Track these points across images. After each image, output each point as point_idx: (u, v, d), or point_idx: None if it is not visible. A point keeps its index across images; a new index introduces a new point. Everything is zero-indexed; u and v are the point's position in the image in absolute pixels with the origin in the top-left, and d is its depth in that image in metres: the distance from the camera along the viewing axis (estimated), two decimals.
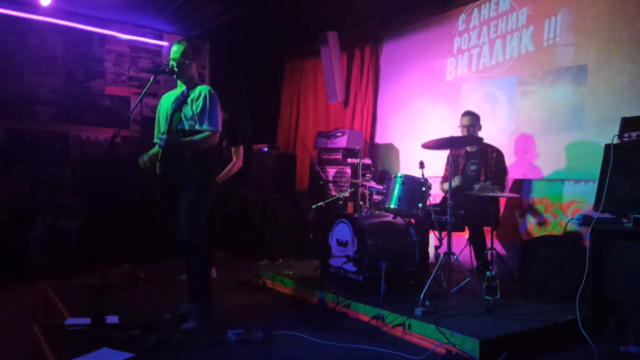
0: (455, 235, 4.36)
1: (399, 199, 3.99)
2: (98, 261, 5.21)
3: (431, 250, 4.29)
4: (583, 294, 3.15)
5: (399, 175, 4.07)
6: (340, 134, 6.24)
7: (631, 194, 3.11)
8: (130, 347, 2.86)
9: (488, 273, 3.52)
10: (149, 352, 2.85)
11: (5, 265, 5.09)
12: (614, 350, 2.98)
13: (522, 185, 4.86)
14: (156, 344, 2.91)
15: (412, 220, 4.28)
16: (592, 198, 3.34)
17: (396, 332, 3.29)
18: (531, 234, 4.78)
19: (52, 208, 5.90)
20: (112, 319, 3.33)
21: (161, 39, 7.05)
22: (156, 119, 3.53)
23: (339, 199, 4.98)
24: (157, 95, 6.77)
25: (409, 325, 3.23)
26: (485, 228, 4.40)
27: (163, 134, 3.22)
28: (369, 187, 4.59)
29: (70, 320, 3.34)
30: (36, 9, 5.92)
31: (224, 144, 5.03)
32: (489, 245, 4.28)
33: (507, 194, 4.43)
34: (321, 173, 6.12)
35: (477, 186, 4.25)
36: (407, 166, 5.98)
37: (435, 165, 4.93)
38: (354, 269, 4.01)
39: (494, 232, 4.31)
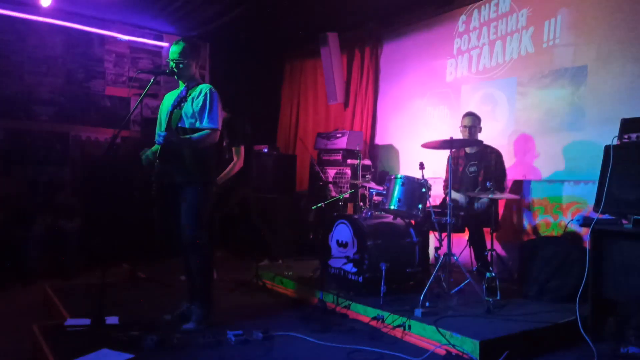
0: (455, 236, 4.37)
1: (399, 200, 3.99)
2: (98, 261, 5.20)
3: (431, 251, 4.30)
4: (583, 294, 3.15)
5: (399, 176, 4.08)
6: (340, 134, 6.24)
7: (631, 195, 3.11)
8: (130, 348, 2.86)
9: (488, 274, 3.52)
10: (149, 353, 2.85)
11: (5, 265, 5.09)
12: (614, 351, 2.98)
13: (522, 186, 4.87)
14: (156, 344, 2.91)
15: (412, 221, 4.28)
16: (592, 199, 3.34)
17: (396, 333, 3.29)
18: (531, 235, 4.78)
19: (52, 208, 5.89)
20: (112, 320, 3.33)
21: (161, 39, 7.06)
22: (158, 118, 3.53)
23: (339, 199, 4.99)
24: (157, 96, 6.78)
25: (409, 326, 3.23)
26: (485, 229, 4.40)
27: (162, 131, 3.22)
28: (369, 188, 4.60)
29: (70, 321, 3.34)
30: (36, 9, 5.92)
31: (224, 144, 5.03)
32: (489, 246, 4.28)
33: (506, 195, 4.43)
34: (321, 174, 6.13)
35: (477, 204, 4.29)
36: (407, 167, 5.98)
37: (435, 165, 4.94)
38: (354, 269, 4.01)
39: (494, 233, 4.31)
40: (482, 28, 5.41)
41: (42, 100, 6.20)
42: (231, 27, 6.55)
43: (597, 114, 4.38)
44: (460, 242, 4.73)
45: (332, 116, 7.19)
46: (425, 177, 3.96)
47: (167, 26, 6.81)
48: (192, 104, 3.32)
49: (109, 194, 5.50)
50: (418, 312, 3.31)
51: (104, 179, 5.84)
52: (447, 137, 3.85)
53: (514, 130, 5.05)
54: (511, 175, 4.79)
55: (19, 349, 3.26)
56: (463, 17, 5.61)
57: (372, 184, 4.64)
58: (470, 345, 2.86)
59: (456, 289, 3.91)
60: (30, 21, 6.06)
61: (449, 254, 3.80)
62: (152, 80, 3.44)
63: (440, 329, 3.04)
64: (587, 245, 3.28)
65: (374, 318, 3.46)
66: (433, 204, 4.08)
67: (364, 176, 5.08)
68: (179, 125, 3.32)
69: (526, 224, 4.86)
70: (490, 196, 4.08)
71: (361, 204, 4.84)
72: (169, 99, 3.47)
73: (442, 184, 4.96)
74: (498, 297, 3.45)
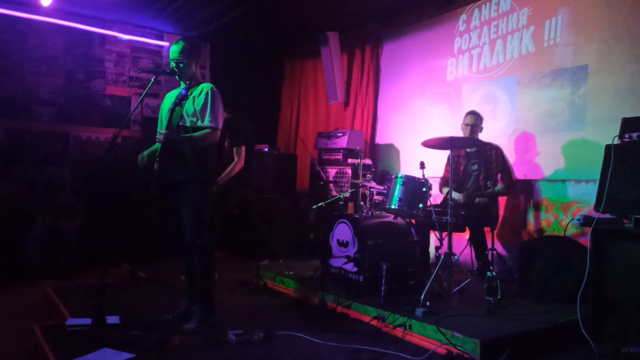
0: (455, 235, 4.36)
1: (400, 200, 3.99)
2: (98, 261, 5.20)
3: (432, 251, 4.29)
4: (584, 294, 3.15)
5: (400, 175, 4.07)
6: (340, 134, 6.24)
7: (632, 194, 3.11)
8: (130, 348, 2.85)
9: (489, 273, 3.51)
10: (149, 353, 2.84)
11: (6, 265, 5.09)
12: (615, 351, 2.97)
13: (522, 186, 4.86)
14: (157, 344, 2.90)
15: (413, 221, 4.28)
16: (593, 198, 3.33)
17: (397, 332, 3.29)
18: (532, 235, 4.78)
19: (52, 208, 5.89)
20: (113, 319, 3.33)
21: (162, 39, 7.06)
22: (159, 117, 3.53)
23: (339, 199, 4.98)
24: (157, 96, 6.77)
25: (410, 326, 3.23)
26: (485, 228, 4.40)
27: (163, 129, 3.22)
28: (370, 187, 4.59)
29: (71, 321, 3.34)
30: (37, 9, 5.92)
31: (225, 144, 5.03)
32: (489, 245, 4.28)
33: (506, 193, 4.42)
34: (322, 173, 6.12)
35: (478, 200, 4.30)
36: (408, 166, 5.98)
37: (436, 165, 4.93)
38: (354, 269, 4.00)
39: (495, 233, 4.31)
40: (483, 27, 5.40)
41: (42, 100, 6.21)
42: (231, 27, 6.55)
43: (597, 114, 4.38)
44: (461, 241, 4.73)
45: (332, 116, 7.19)
46: (426, 176, 3.96)
47: (168, 26, 6.82)
48: (194, 103, 3.31)
49: (109, 194, 5.50)
50: (419, 311, 3.31)
51: (104, 179, 5.84)
52: (447, 136, 3.85)
53: (514, 130, 5.05)
54: None
55: (19, 349, 3.25)
56: (464, 17, 5.60)
57: (373, 184, 4.63)
58: (471, 345, 2.86)
59: (457, 289, 3.91)
60: (31, 21, 6.06)
61: (450, 253, 3.79)
62: (152, 79, 3.44)
63: (441, 329, 3.03)
64: (587, 245, 3.28)
65: (374, 317, 3.46)
66: (433, 203, 4.08)
67: (364, 175, 5.08)
68: (180, 123, 3.32)
69: (527, 223, 4.85)
70: (489, 190, 4.08)
71: (362, 203, 4.83)
72: (170, 97, 3.47)
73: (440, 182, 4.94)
74: (499, 297, 3.45)
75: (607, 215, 3.30)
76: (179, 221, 3.33)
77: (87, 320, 3.25)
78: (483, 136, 4.60)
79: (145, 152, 3.35)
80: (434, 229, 4.11)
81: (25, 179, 6.04)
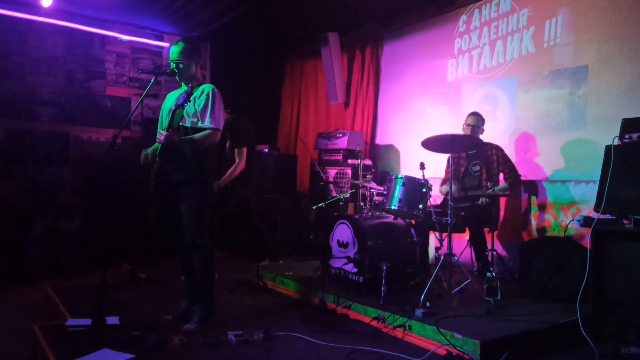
0: (455, 236, 4.37)
1: (400, 200, 3.99)
2: (98, 261, 5.20)
3: (432, 252, 4.29)
4: (584, 294, 3.15)
5: (400, 176, 4.07)
6: (340, 134, 6.24)
7: (632, 195, 3.11)
8: (130, 348, 2.85)
9: (489, 274, 3.51)
10: (149, 353, 2.84)
11: (6, 265, 5.09)
12: (615, 351, 2.97)
13: (523, 186, 4.86)
14: (157, 344, 2.90)
15: (413, 221, 4.28)
16: (593, 199, 3.33)
17: (397, 333, 3.28)
18: (532, 235, 4.78)
19: (52, 208, 5.89)
20: (113, 320, 3.32)
21: (162, 39, 7.06)
22: (159, 117, 3.53)
23: (339, 199, 4.98)
24: (158, 96, 6.78)
25: (410, 327, 3.22)
26: (485, 229, 4.40)
27: (164, 130, 3.22)
28: (370, 188, 4.59)
29: (71, 321, 3.34)
30: (37, 9, 5.92)
31: (227, 144, 5.03)
32: (489, 246, 4.28)
33: (506, 194, 4.42)
34: (322, 174, 6.13)
35: (482, 200, 4.31)
36: (408, 167, 5.98)
37: (436, 166, 4.94)
38: (354, 270, 4.01)
39: (495, 233, 4.31)
40: (483, 28, 5.40)
41: (42, 101, 6.21)
42: (231, 27, 6.55)
43: (597, 114, 4.38)
44: (461, 242, 4.73)
45: (332, 116, 7.19)
46: (426, 177, 3.96)
47: (168, 26, 6.82)
48: (195, 104, 3.32)
49: (109, 194, 5.50)
50: (419, 312, 3.31)
51: (104, 179, 5.85)
52: (447, 133, 3.83)
53: (514, 130, 5.05)
54: None
55: (19, 349, 3.25)
56: (464, 17, 5.60)
57: (373, 184, 4.63)
58: (471, 346, 2.86)
59: (457, 289, 3.91)
60: (31, 21, 6.07)
61: (450, 254, 3.79)
62: (152, 80, 3.43)
63: (441, 329, 3.03)
64: (588, 245, 3.28)
65: (374, 318, 3.46)
66: (433, 203, 4.08)
67: (364, 176, 5.08)
68: (181, 124, 3.32)
69: (527, 224, 4.85)
70: (490, 191, 4.08)
71: (362, 204, 4.83)
72: (171, 98, 3.47)
73: (440, 183, 4.94)
74: (499, 297, 3.45)
75: (607, 216, 3.30)
76: (178, 221, 3.33)
77: (87, 321, 3.25)
78: (483, 137, 4.60)
79: (150, 150, 3.33)
80: (434, 230, 4.11)
81: (26, 179, 6.05)
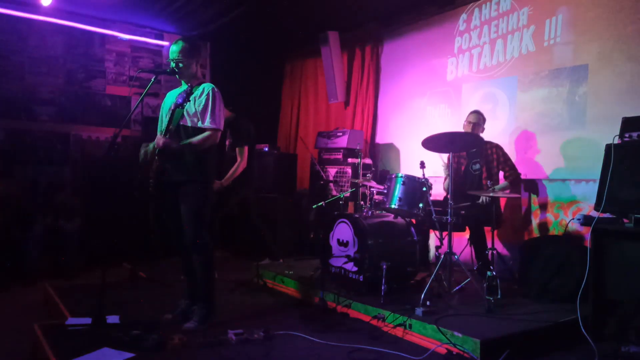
0: (455, 235, 4.36)
1: (400, 199, 3.99)
2: (98, 261, 5.20)
3: (432, 250, 4.29)
4: (584, 294, 3.15)
5: (400, 175, 4.07)
6: (340, 133, 6.24)
7: (632, 194, 3.11)
8: (130, 347, 2.85)
9: (489, 273, 3.51)
10: (149, 352, 2.84)
11: (6, 265, 5.09)
12: (614, 351, 2.97)
13: (523, 185, 4.86)
14: (157, 343, 2.90)
15: (413, 220, 4.28)
16: (593, 198, 3.33)
17: (397, 332, 3.29)
18: (532, 234, 4.78)
19: (52, 208, 5.89)
20: (113, 319, 3.33)
21: (162, 38, 7.06)
22: (159, 116, 3.52)
23: (339, 198, 4.98)
24: (158, 95, 6.78)
25: (410, 325, 3.23)
26: (485, 228, 4.40)
27: (162, 134, 3.21)
28: (370, 187, 4.59)
29: (71, 320, 3.34)
30: (37, 9, 5.92)
31: (227, 143, 5.03)
32: (489, 245, 4.27)
33: (507, 193, 4.42)
34: (322, 173, 6.12)
35: (482, 199, 4.30)
36: (408, 166, 5.98)
37: (436, 165, 4.92)
38: (354, 269, 4.01)
39: (495, 232, 4.31)
40: (483, 27, 5.40)
41: (42, 100, 6.21)
42: (232, 26, 6.55)
43: (598, 113, 4.38)
44: (461, 241, 4.73)
45: (332, 115, 7.19)
46: (426, 176, 3.96)
47: (168, 25, 6.82)
48: (195, 104, 3.31)
49: (109, 193, 5.51)
50: (419, 311, 3.31)
51: (104, 178, 5.85)
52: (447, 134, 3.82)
53: (514, 129, 5.05)
54: None
55: (19, 349, 3.26)
56: (464, 16, 5.60)
57: (373, 183, 4.63)
58: (471, 344, 2.86)
59: (457, 288, 3.91)
60: (31, 21, 6.06)
61: (450, 252, 3.79)
62: (152, 79, 3.44)
63: (441, 328, 3.03)
64: (588, 244, 3.28)
65: (374, 317, 3.46)
66: (434, 202, 4.07)
67: (364, 175, 5.07)
68: (181, 123, 3.32)
69: (527, 223, 4.85)
70: (491, 194, 4.08)
71: (362, 203, 4.83)
72: (171, 97, 3.47)
73: (442, 182, 4.94)
74: (499, 296, 3.45)
75: (608, 215, 3.30)
76: (178, 221, 3.33)
77: (87, 320, 3.25)
78: (484, 136, 4.59)
79: (150, 146, 3.31)
80: (434, 229, 4.11)
81: (26, 179, 6.04)
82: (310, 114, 7.60)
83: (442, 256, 3.80)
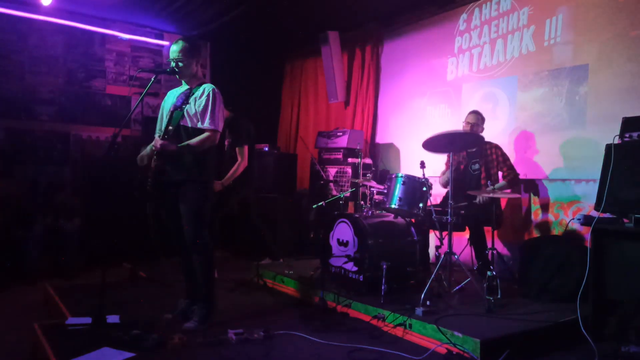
0: (455, 235, 4.36)
1: (400, 199, 3.99)
2: (98, 261, 5.20)
3: (432, 250, 4.29)
4: (584, 294, 3.15)
5: (400, 175, 4.07)
6: (340, 133, 6.24)
7: (632, 193, 3.11)
8: (131, 347, 2.86)
9: (489, 273, 3.51)
10: (149, 352, 2.84)
11: (6, 265, 5.09)
12: (615, 351, 2.97)
13: (523, 185, 4.86)
14: (157, 343, 2.90)
15: (413, 220, 4.28)
16: (593, 198, 3.33)
17: (397, 331, 3.29)
18: (532, 234, 4.78)
19: (52, 208, 5.89)
20: (113, 319, 3.33)
21: (162, 38, 7.06)
22: (159, 114, 3.52)
23: (339, 198, 4.98)
24: (158, 95, 6.78)
25: (410, 325, 3.23)
26: (485, 228, 4.39)
27: (161, 137, 3.20)
28: (370, 186, 4.59)
29: (71, 320, 3.34)
30: (37, 8, 5.92)
31: (226, 142, 5.03)
32: (489, 245, 4.27)
33: (507, 194, 4.42)
34: (322, 173, 6.12)
35: (479, 198, 4.30)
36: (408, 166, 5.98)
37: (436, 165, 4.93)
38: (354, 268, 4.01)
39: (495, 232, 4.31)
40: (483, 27, 5.40)
41: (42, 100, 6.21)
42: (232, 26, 6.55)
43: (598, 113, 4.37)
44: (461, 240, 4.73)
45: (332, 115, 7.19)
46: (426, 175, 3.96)
47: (168, 25, 6.82)
48: (195, 104, 3.31)
49: (109, 193, 5.50)
50: (419, 310, 3.31)
51: (104, 178, 5.84)
52: (446, 131, 3.81)
53: (514, 129, 5.05)
54: None
55: (20, 348, 3.26)
56: (464, 16, 5.60)
57: (373, 183, 4.63)
58: (471, 344, 2.86)
59: (457, 288, 3.91)
60: (31, 20, 6.06)
61: (450, 252, 3.79)
62: (152, 79, 3.43)
63: (441, 328, 3.03)
64: (588, 244, 3.28)
65: (374, 317, 3.46)
66: (434, 202, 4.08)
67: (364, 175, 5.07)
68: (181, 124, 3.32)
69: (527, 223, 4.85)
70: (490, 195, 4.08)
71: (362, 202, 4.83)
72: (171, 96, 3.47)
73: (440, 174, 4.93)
74: (499, 296, 3.45)
75: (608, 215, 3.30)
76: (178, 221, 3.32)
77: (88, 320, 3.25)
78: (484, 136, 4.59)
79: (147, 149, 3.32)
80: (434, 229, 4.11)
81: (26, 179, 6.04)
82: (310, 114, 7.60)
83: (442, 256, 3.80)
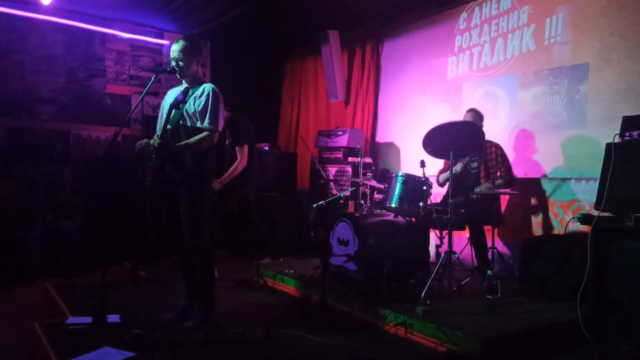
0: (456, 234, 4.36)
1: (400, 198, 3.99)
2: (98, 260, 5.20)
3: (432, 249, 4.29)
4: (584, 293, 3.15)
5: (400, 174, 4.07)
6: (341, 132, 6.24)
7: (632, 192, 3.11)
8: (131, 346, 2.86)
9: (489, 272, 3.52)
10: (150, 351, 2.84)
11: (6, 265, 5.09)
12: (615, 350, 2.97)
13: (523, 184, 4.85)
14: (157, 342, 2.91)
15: (413, 219, 4.27)
16: (594, 197, 3.33)
17: (397, 331, 3.29)
18: (532, 233, 4.78)
19: (52, 207, 5.89)
20: (114, 318, 3.33)
21: (162, 37, 7.05)
22: (160, 113, 3.52)
23: (339, 197, 4.98)
24: (158, 94, 6.78)
25: (410, 324, 3.23)
26: (486, 227, 4.39)
27: (159, 136, 3.20)
28: (370, 185, 4.59)
29: (72, 319, 3.34)
30: (37, 7, 5.91)
31: (226, 142, 5.02)
32: (489, 244, 4.27)
33: (507, 190, 4.41)
34: (322, 172, 6.12)
35: (478, 189, 4.29)
36: (408, 165, 5.98)
37: (436, 164, 4.92)
38: (354, 268, 4.01)
39: (495, 231, 4.31)
40: (484, 25, 5.40)
41: (43, 99, 6.21)
42: (232, 25, 6.55)
43: (598, 112, 4.37)
44: (461, 239, 4.73)
45: (333, 114, 7.19)
46: (426, 175, 3.96)
47: (168, 24, 6.81)
48: (194, 104, 3.31)
49: (109, 193, 5.50)
50: (419, 310, 3.31)
51: (104, 178, 5.84)
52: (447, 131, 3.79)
53: (514, 128, 5.04)
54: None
55: (20, 348, 3.26)
56: (464, 15, 5.59)
57: (373, 182, 4.63)
58: (471, 343, 2.86)
59: (457, 287, 3.91)
60: (31, 19, 6.06)
61: (450, 251, 3.79)
62: (153, 78, 3.43)
63: (442, 327, 3.03)
64: (588, 243, 3.28)
65: (375, 316, 3.46)
66: (434, 201, 4.08)
67: (364, 174, 5.07)
68: (181, 123, 3.31)
69: (527, 222, 4.85)
70: (491, 192, 4.08)
71: (362, 202, 4.83)
72: (172, 95, 3.46)
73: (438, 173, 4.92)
74: (499, 295, 3.45)
75: (608, 214, 3.30)
76: (177, 220, 3.32)
77: (88, 319, 3.25)
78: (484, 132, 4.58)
79: (150, 141, 3.31)
80: (434, 228, 4.11)
81: (26, 178, 6.04)
82: (310, 113, 7.59)
83: (443, 255, 3.80)
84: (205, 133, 3.27)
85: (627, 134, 3.26)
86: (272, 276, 4.65)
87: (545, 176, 4.74)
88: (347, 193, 5.27)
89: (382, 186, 4.37)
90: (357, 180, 4.92)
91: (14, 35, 6.00)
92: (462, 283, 3.91)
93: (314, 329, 3.27)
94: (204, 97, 3.31)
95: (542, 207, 4.73)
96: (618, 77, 4.27)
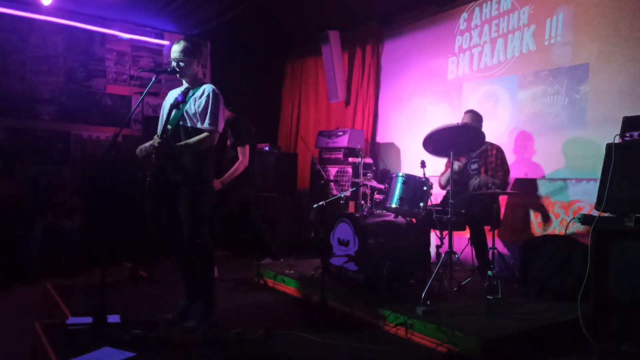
0: (456, 234, 4.35)
1: (400, 198, 3.98)
2: (99, 260, 5.20)
3: (432, 250, 4.29)
4: (584, 293, 3.15)
5: (400, 174, 4.06)
6: (341, 133, 6.24)
7: (633, 193, 3.11)
8: (131, 346, 2.86)
9: (489, 272, 3.51)
10: (150, 351, 2.84)
11: (6, 265, 5.09)
12: (615, 350, 2.97)
13: (523, 185, 4.86)
14: (157, 342, 2.91)
15: (413, 220, 4.27)
16: (594, 197, 3.33)
17: (397, 331, 3.29)
18: (533, 233, 4.78)
19: (52, 207, 5.89)
20: (114, 318, 3.33)
21: (162, 37, 7.06)
22: (160, 113, 3.52)
23: (340, 198, 4.98)
24: (158, 95, 6.78)
25: (411, 325, 3.22)
26: (486, 227, 4.39)
27: (160, 136, 3.20)
28: (370, 186, 4.59)
29: (72, 319, 3.34)
30: (37, 8, 5.92)
31: (228, 142, 5.02)
32: (490, 244, 4.27)
33: (507, 190, 4.41)
34: (322, 172, 6.12)
35: (475, 182, 4.27)
36: (409, 165, 5.98)
37: (436, 164, 4.92)
38: (355, 268, 4.00)
39: (495, 231, 4.31)
40: (484, 26, 5.40)
41: (43, 99, 6.21)
42: (232, 25, 6.55)
43: (598, 112, 4.37)
44: (461, 240, 4.73)
45: (333, 114, 7.19)
46: (427, 175, 3.96)
47: (168, 24, 6.81)
48: (194, 104, 3.31)
49: (109, 193, 5.49)
50: (419, 310, 3.30)
51: (104, 178, 5.84)
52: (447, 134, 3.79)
53: (515, 128, 5.04)
54: (513, 174, 4.77)
55: (20, 348, 3.26)
56: (464, 15, 5.60)
57: (374, 182, 4.63)
58: (471, 343, 2.86)
59: (458, 287, 3.91)
60: (32, 20, 6.06)
61: (451, 252, 3.79)
62: (153, 78, 3.44)
63: (442, 327, 3.03)
64: (588, 243, 3.28)
65: (375, 316, 3.46)
66: (434, 202, 4.08)
67: (365, 174, 5.07)
68: (181, 123, 3.32)
69: (527, 222, 4.85)
70: (490, 188, 4.07)
71: (362, 202, 4.83)
72: (173, 96, 3.47)
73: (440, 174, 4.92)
74: (499, 296, 3.45)
75: (608, 214, 3.30)
76: (177, 220, 3.32)
77: (88, 319, 3.25)
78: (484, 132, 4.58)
79: (148, 145, 3.31)
80: (435, 228, 4.11)
81: (26, 178, 6.04)
82: (310, 113, 7.60)
83: (443, 255, 3.80)
84: (205, 134, 3.27)
85: (628, 135, 3.26)
86: (272, 276, 4.65)
87: (545, 177, 4.74)
88: (348, 193, 5.27)
89: (382, 186, 4.37)
90: (357, 180, 4.92)
91: (15, 36, 6.00)
92: (463, 283, 3.91)
93: (314, 329, 3.27)
94: (204, 98, 3.31)
95: (543, 207, 4.73)
96: (618, 78, 4.27)
